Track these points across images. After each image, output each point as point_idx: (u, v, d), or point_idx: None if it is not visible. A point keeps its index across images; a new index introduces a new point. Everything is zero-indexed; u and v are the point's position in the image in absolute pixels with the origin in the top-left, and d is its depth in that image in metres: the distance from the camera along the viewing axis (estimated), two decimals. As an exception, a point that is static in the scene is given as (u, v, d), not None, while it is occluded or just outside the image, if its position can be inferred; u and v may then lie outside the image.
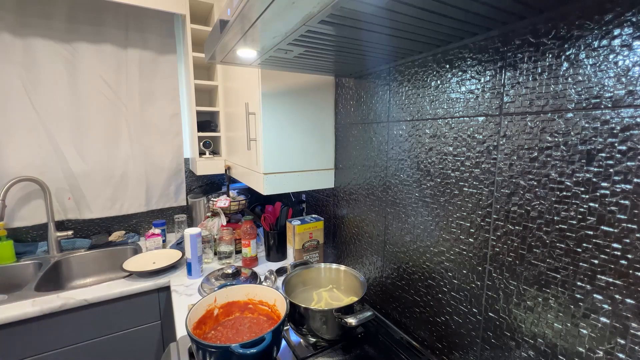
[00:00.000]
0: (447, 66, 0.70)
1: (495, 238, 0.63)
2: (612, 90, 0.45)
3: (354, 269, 0.97)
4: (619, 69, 0.44)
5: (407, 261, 0.86)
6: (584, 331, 0.50)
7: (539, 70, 0.53)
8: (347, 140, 1.08)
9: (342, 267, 1.00)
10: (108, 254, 1.52)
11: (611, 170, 0.45)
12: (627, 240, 0.44)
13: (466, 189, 0.68)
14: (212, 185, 1.88)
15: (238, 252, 1.42)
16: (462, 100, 0.67)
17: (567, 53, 0.49)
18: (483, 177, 0.64)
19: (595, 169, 0.47)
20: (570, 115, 0.50)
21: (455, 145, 0.69)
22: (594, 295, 0.48)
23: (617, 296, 0.46)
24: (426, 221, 0.79)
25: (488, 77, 0.62)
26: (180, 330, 0.91)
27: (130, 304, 1.19)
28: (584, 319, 0.50)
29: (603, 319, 0.48)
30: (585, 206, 0.48)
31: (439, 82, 0.72)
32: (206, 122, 1.64)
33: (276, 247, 1.37)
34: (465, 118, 0.67)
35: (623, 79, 0.44)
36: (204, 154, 1.55)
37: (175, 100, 1.67)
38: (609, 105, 0.45)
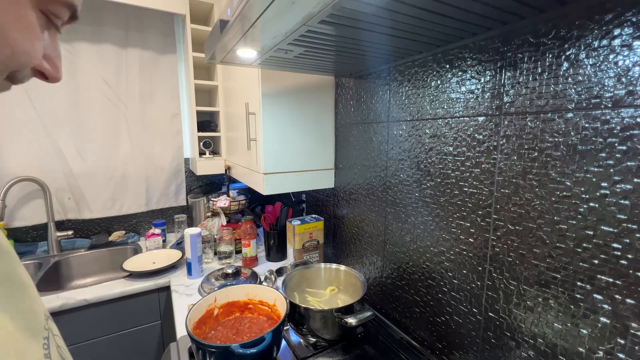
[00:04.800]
0: (447, 66, 0.70)
1: (495, 238, 0.63)
2: (612, 90, 0.45)
3: (354, 269, 0.97)
4: (619, 69, 0.44)
5: (407, 261, 0.86)
6: (584, 331, 0.50)
7: (539, 70, 0.53)
8: (347, 140, 1.08)
9: (342, 267, 1.00)
10: (108, 254, 1.52)
11: (611, 170, 0.45)
12: (627, 240, 0.44)
13: (466, 189, 0.68)
14: (212, 185, 1.88)
15: (238, 252, 1.42)
16: (462, 100, 0.67)
17: (567, 53, 0.49)
18: (483, 177, 0.64)
19: (595, 169, 0.47)
20: (570, 115, 0.50)
21: (455, 145, 0.69)
22: (594, 295, 0.48)
23: (617, 296, 0.46)
24: (426, 221, 0.79)
25: (488, 77, 0.62)
26: (180, 330, 0.91)
27: (130, 304, 1.19)
28: (584, 319, 0.50)
29: (603, 319, 0.48)
30: (585, 206, 0.48)
31: (439, 82, 0.72)
32: (206, 122, 1.64)
33: (276, 247, 1.37)
34: (465, 118, 0.67)
35: (623, 79, 0.44)
36: (204, 154, 1.55)
37: (175, 100, 1.67)
38: (609, 105, 0.45)
